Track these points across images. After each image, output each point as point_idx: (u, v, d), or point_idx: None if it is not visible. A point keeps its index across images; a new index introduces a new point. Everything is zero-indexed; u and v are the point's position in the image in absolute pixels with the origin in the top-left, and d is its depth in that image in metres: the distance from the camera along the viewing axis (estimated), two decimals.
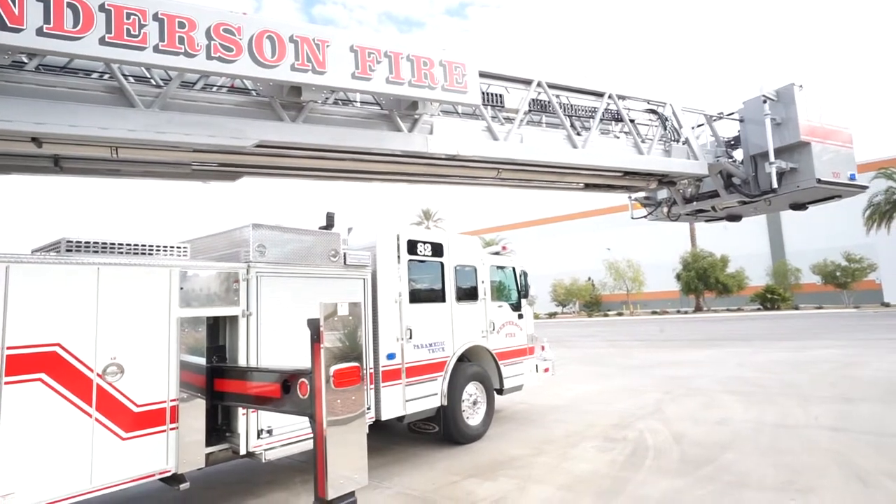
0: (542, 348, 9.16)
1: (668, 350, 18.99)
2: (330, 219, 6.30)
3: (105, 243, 4.50)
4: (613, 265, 55.59)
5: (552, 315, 60.10)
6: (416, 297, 6.82)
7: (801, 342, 19.01)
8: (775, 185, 8.00)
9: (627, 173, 8.39)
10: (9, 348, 3.71)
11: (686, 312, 51.58)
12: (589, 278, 59.59)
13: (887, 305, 43.62)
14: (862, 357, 14.10)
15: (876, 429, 6.97)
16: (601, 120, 7.56)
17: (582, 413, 8.85)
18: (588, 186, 8.94)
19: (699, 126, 8.84)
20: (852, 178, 8.29)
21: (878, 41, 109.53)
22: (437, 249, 7.24)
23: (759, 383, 10.89)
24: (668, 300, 57.14)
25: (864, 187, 8.66)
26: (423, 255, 7.02)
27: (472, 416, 7.36)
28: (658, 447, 6.59)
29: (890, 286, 46.09)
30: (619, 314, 55.28)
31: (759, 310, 47.25)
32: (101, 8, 3.92)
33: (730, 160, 8.73)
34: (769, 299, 47.02)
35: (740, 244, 49.50)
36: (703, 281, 49.90)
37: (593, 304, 59.14)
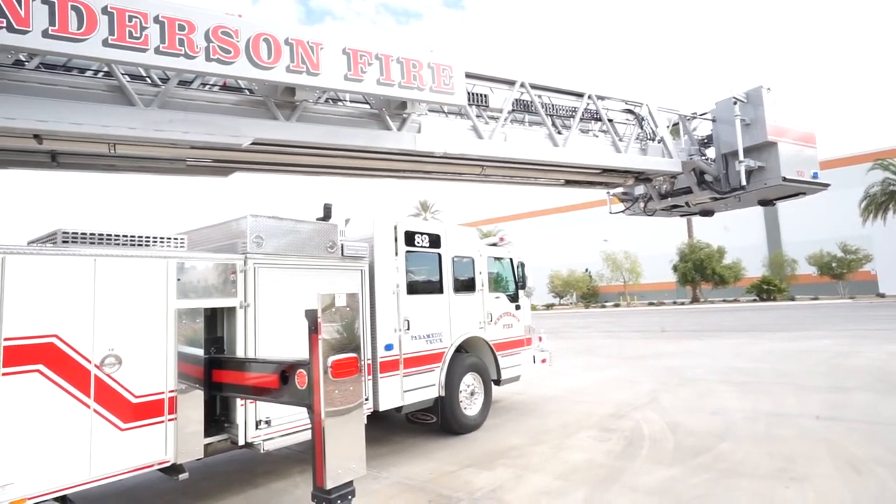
0: (540, 339, 9.20)
1: (664, 341, 19.09)
2: (327, 210, 6.30)
3: (102, 234, 4.49)
4: (610, 256, 55.70)
5: (549, 306, 60.28)
6: (414, 288, 6.83)
7: (796, 333, 19.13)
8: (744, 182, 8.44)
9: (606, 170, 8.77)
10: (6, 340, 3.71)
11: (683, 304, 51.78)
12: (586, 269, 59.72)
13: (882, 296, 43.88)
14: (856, 347, 14.20)
15: (869, 417, 7.04)
16: (581, 119, 7.89)
17: (578, 403, 8.91)
18: (568, 183, 9.35)
19: (674, 125, 9.14)
20: (815, 176, 8.83)
21: (877, 36, 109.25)
22: (435, 240, 7.24)
23: (754, 373, 10.97)
24: (664, 291, 57.34)
25: (826, 185, 9.07)
26: (421, 247, 7.02)
27: (470, 406, 7.40)
28: (654, 437, 6.64)
29: (885, 277, 46.35)
30: (617, 305, 55.48)
31: (755, 301, 47.46)
32: (104, 10, 4.00)
33: (702, 158, 9.16)
34: (765, 290, 47.22)
35: (737, 235, 49.66)
36: (700, 272, 50.07)
37: (590, 296, 59.33)
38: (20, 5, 3.71)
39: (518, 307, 8.67)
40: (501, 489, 5.12)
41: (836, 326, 20.87)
